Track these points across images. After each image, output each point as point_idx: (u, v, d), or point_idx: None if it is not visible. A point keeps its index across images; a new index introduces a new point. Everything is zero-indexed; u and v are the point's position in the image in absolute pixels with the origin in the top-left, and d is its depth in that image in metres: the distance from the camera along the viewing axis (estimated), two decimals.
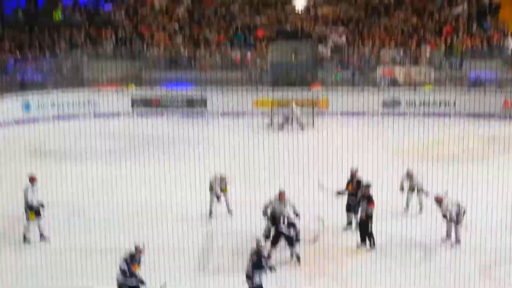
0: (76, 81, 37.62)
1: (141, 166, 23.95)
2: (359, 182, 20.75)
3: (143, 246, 16.50)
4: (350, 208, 20.87)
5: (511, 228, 21.10)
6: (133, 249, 16.47)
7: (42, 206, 20.39)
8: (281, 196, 19.86)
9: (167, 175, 22.70)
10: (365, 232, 19.81)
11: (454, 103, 35.28)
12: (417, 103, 35.85)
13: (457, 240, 19.88)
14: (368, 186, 20.03)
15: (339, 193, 21.13)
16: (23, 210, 20.29)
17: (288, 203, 19.87)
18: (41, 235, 20.49)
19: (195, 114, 35.60)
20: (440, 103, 35.54)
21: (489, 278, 18.47)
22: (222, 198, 22.59)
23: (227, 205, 22.80)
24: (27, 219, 20.30)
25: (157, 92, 36.93)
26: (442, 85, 36.44)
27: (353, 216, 20.72)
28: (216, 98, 35.59)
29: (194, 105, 36.67)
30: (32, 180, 20.55)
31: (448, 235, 20.38)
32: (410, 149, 26.74)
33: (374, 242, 19.79)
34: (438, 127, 26.56)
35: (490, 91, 34.69)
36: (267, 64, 38.48)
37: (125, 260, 16.37)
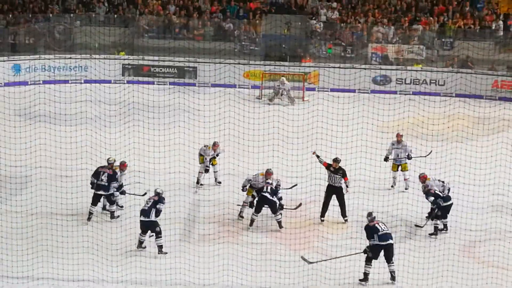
0: (67, 45, 37.50)
1: (130, 133, 23.93)
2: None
3: None
4: None
5: (495, 208, 21.31)
6: None
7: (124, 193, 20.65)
8: (267, 174, 20.04)
9: (155, 143, 22.72)
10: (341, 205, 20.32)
11: (444, 83, 35.37)
12: (407, 81, 35.89)
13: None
14: (336, 160, 20.24)
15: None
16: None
17: (274, 180, 20.12)
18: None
19: (186, 83, 35.50)
20: (430, 82, 35.64)
21: (471, 256, 18.68)
22: (211, 169, 22.68)
23: (216, 176, 22.88)
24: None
25: (148, 60, 36.81)
26: (433, 64, 36.52)
27: None
28: (207, 69, 35.47)
29: (184, 75, 36.62)
30: (122, 167, 20.86)
31: None
32: (398, 127, 26.84)
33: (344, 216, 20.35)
34: (427, 106, 26.60)
35: (481, 72, 34.87)
36: (259, 37, 38.41)
37: None
